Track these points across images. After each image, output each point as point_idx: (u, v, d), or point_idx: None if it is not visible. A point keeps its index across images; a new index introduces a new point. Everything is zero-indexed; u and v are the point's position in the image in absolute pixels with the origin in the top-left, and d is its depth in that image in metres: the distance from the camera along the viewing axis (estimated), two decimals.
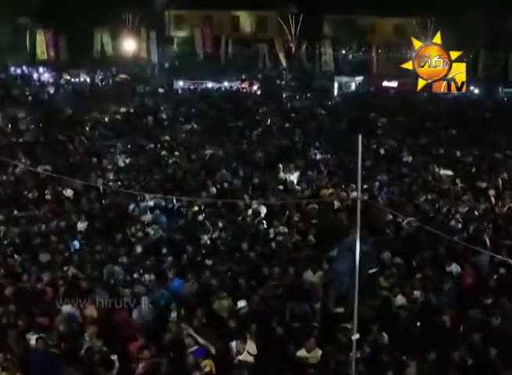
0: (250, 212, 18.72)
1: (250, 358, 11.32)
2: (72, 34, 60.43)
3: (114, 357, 10.61)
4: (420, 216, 18.12)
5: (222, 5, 61.45)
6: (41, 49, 62.05)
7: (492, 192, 21.06)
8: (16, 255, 15.36)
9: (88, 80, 57.80)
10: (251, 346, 11.29)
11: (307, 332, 11.66)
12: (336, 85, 55.94)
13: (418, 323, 12.44)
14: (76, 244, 16.37)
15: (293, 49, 61.48)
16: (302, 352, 11.36)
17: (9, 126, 33.25)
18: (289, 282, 14.22)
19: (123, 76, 57.87)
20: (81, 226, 17.66)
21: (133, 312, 12.75)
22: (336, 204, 19.91)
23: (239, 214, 18.77)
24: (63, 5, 57.62)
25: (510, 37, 50.49)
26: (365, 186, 20.38)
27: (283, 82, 57.82)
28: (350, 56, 60.65)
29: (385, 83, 54.30)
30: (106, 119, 36.46)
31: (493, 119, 37.64)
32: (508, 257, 14.54)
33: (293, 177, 23.33)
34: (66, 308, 12.40)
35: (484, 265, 15.29)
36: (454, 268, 14.93)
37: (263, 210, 18.94)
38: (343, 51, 60.44)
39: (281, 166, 24.47)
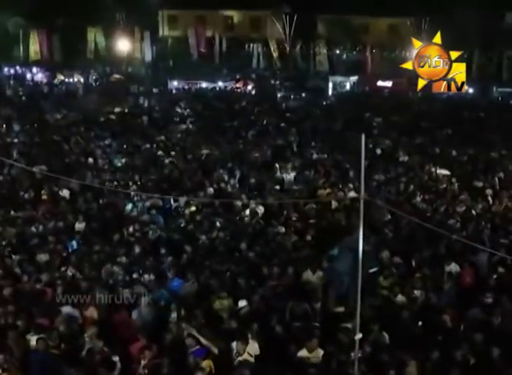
0: (247, 211, 18.70)
1: (251, 359, 11.28)
2: (66, 34, 60.21)
3: (116, 358, 10.54)
4: (418, 216, 18.12)
5: (215, 4, 61.35)
6: (35, 49, 61.80)
7: (489, 191, 21.10)
8: (13, 256, 15.27)
9: (82, 80, 57.67)
10: (253, 346, 11.24)
11: (308, 332, 11.62)
12: (330, 85, 56.04)
13: (419, 323, 12.42)
14: (74, 244, 16.30)
15: (287, 49, 61.43)
16: (303, 352, 11.32)
17: (3, 126, 33.07)
18: (288, 282, 14.20)
19: (117, 76, 57.80)
20: (79, 226, 17.58)
21: (133, 313, 12.70)
22: (334, 204, 19.90)
23: (237, 214, 18.74)
24: (56, 5, 57.42)
25: (504, 37, 50.68)
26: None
27: (278, 82, 57.83)
28: (345, 56, 60.59)
29: (380, 83, 54.44)
30: (101, 119, 36.32)
31: (488, 119, 37.75)
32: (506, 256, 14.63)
33: (290, 177, 23.30)
34: (66, 308, 12.34)
35: (483, 264, 15.32)
36: (453, 267, 14.93)
37: (261, 210, 18.93)
38: (338, 51, 60.41)
39: (277, 165, 24.45)
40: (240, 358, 11.20)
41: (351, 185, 21.62)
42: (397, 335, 11.97)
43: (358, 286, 9.51)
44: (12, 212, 18.82)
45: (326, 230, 17.49)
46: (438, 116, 38.37)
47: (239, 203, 19.34)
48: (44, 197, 20.40)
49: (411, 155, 27.28)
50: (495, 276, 14.45)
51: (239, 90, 54.77)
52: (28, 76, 59.84)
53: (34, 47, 61.82)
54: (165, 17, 66.67)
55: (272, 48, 60.71)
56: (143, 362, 10.61)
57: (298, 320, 12.40)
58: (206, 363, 10.89)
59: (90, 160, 25.48)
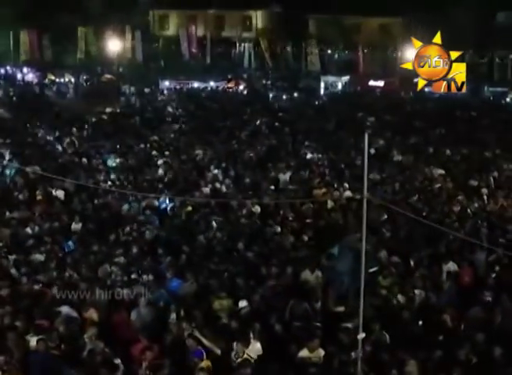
0: (244, 211, 18.67)
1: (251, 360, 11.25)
2: (57, 34, 59.93)
3: (117, 361, 10.46)
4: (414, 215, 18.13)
5: (206, 4, 61.26)
6: (25, 49, 61.48)
7: (484, 191, 21.15)
8: (9, 256, 15.15)
9: (73, 80, 57.46)
10: (255, 346, 11.19)
11: (310, 332, 11.58)
12: (322, 85, 56.05)
13: (420, 322, 12.41)
14: (71, 244, 16.20)
15: (279, 49, 61.37)
16: (304, 352, 11.29)
17: None
18: (287, 282, 14.17)
19: (108, 76, 57.52)
20: (75, 226, 17.48)
21: (132, 313, 12.63)
22: (330, 203, 19.88)
23: (233, 214, 18.68)
24: (47, 5, 57.17)
25: (495, 37, 50.85)
26: (359, 185, 20.34)
27: (269, 82, 57.82)
28: (336, 56, 60.64)
29: (372, 83, 54.50)
30: (93, 120, 36.18)
31: (480, 119, 37.91)
32: (504, 255, 14.65)
33: (285, 177, 23.26)
34: (65, 309, 12.25)
35: (481, 263, 15.34)
36: (451, 266, 14.94)
37: (257, 210, 18.89)
38: (329, 51, 60.41)
39: (272, 165, 24.43)
40: (239, 360, 11.16)
41: (347, 185, 21.63)
42: (397, 335, 11.96)
43: (361, 285, 9.46)
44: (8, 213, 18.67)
45: (323, 229, 17.49)
46: (430, 115, 38.49)
47: (235, 203, 19.29)
48: (39, 197, 20.28)
49: (405, 154, 27.31)
50: (493, 275, 14.45)
51: (230, 90, 54.72)
52: (19, 76, 59.51)
53: (25, 47, 61.50)
54: (157, 17, 66.54)
55: (263, 48, 60.63)
56: (144, 364, 10.53)
57: (299, 320, 12.37)
58: (205, 364, 10.84)
59: (84, 160, 25.34)
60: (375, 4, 53.09)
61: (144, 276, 13.97)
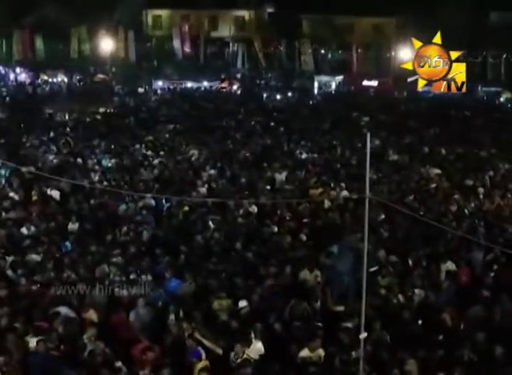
0: (241, 211, 18.62)
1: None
2: (49, 34, 59.77)
3: (119, 363, 10.40)
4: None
5: (200, 4, 61.21)
6: (18, 49, 61.26)
7: (481, 190, 21.18)
8: (7, 257, 15.05)
9: (66, 79, 57.30)
10: (256, 346, 11.16)
11: (311, 332, 11.56)
12: (316, 84, 56.11)
13: (419, 322, 12.41)
14: (68, 245, 16.11)
15: (272, 49, 61.36)
16: (305, 352, 11.27)
17: None
18: (286, 281, 14.14)
19: (101, 76, 57.39)
20: (72, 227, 17.39)
21: (131, 314, 12.56)
22: (327, 203, 19.86)
23: (231, 214, 18.63)
24: (39, 5, 57.01)
25: (489, 37, 51.00)
26: (355, 185, 20.43)
27: (263, 82, 57.82)
28: (330, 55, 60.69)
29: (365, 83, 54.65)
30: (87, 120, 36.06)
31: (474, 118, 38.05)
32: (502, 254, 14.67)
33: (281, 177, 23.23)
34: (63, 310, 12.18)
35: (478, 262, 15.35)
36: (449, 265, 14.94)
37: (254, 210, 18.85)
38: (323, 51, 60.44)
39: (268, 165, 24.39)
40: (238, 360, 11.13)
41: (343, 184, 21.61)
42: (397, 334, 11.95)
43: (363, 285, 9.43)
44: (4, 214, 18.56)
45: (320, 229, 17.47)
46: (425, 115, 38.58)
47: (232, 203, 19.23)
48: (35, 198, 20.17)
49: (401, 154, 27.34)
50: (492, 274, 14.46)
51: (224, 90, 54.70)
52: (11, 76, 59.30)
53: (17, 47, 61.28)
54: (150, 17, 66.44)
55: (256, 48, 60.62)
56: (145, 364, 10.48)
57: (299, 320, 12.33)
58: (203, 364, 10.81)
59: (79, 161, 25.23)
60: (368, 4, 53.23)
61: (143, 277, 13.90)
